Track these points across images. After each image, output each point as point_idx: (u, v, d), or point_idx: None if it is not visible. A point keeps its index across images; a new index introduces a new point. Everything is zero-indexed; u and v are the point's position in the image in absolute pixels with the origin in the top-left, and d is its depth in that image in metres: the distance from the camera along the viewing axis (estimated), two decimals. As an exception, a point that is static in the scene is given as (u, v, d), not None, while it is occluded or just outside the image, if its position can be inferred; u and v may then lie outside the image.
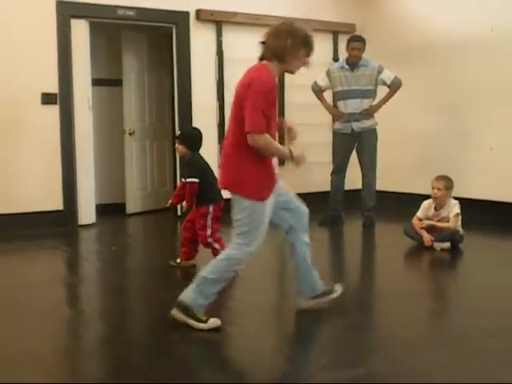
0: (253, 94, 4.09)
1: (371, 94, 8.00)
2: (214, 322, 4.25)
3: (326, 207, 8.07)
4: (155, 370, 3.58)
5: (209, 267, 4.32)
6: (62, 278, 5.99)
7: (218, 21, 8.93)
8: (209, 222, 5.72)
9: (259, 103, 4.07)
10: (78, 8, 8.04)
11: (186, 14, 8.77)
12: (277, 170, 4.35)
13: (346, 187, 8.28)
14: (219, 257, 4.39)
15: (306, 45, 4.22)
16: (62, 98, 8.02)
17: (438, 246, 6.58)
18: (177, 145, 6.02)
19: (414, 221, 6.86)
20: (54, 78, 7.95)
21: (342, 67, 8.00)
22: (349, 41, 8.03)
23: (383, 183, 8.41)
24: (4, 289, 5.45)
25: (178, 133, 6.49)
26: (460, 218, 6.72)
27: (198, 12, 8.78)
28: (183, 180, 5.99)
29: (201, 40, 8.90)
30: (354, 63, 7.93)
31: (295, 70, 4.32)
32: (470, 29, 8.35)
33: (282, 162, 5.52)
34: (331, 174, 8.24)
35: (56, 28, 7.93)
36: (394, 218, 8.19)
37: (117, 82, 9.34)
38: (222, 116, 9.00)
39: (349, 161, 8.19)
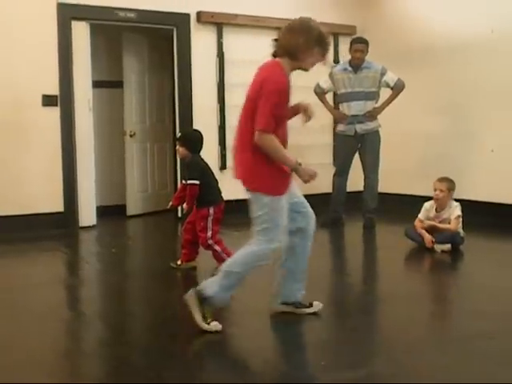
0: (265, 94, 4.09)
1: (374, 95, 7.99)
2: (215, 325, 4.23)
3: (327, 209, 8.06)
4: (155, 371, 3.57)
5: (231, 261, 4.35)
6: (63, 279, 5.99)
7: (219, 23, 8.93)
8: (209, 223, 5.72)
9: (270, 103, 4.07)
10: (78, 10, 8.05)
11: (187, 15, 8.77)
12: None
13: (348, 189, 8.27)
14: (241, 252, 4.37)
15: (321, 42, 4.20)
16: (62, 100, 8.02)
17: (438, 247, 6.58)
18: (177, 147, 6.02)
19: (416, 222, 6.85)
20: (54, 80, 7.96)
21: (345, 69, 7.99)
22: (352, 43, 8.02)
23: (385, 185, 8.41)
24: (4, 291, 5.44)
25: (178, 135, 6.49)
26: (461, 219, 6.72)
27: (199, 14, 8.79)
28: (184, 182, 5.98)
29: (201, 42, 8.90)
30: (357, 65, 7.92)
31: (309, 67, 4.30)
32: (470, 31, 8.35)
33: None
34: (333, 176, 8.23)
35: (57, 30, 7.94)
36: (395, 220, 8.19)
37: (117, 84, 9.34)
38: (223, 118, 9.01)
39: (351, 163, 8.18)
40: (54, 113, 7.99)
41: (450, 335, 4.24)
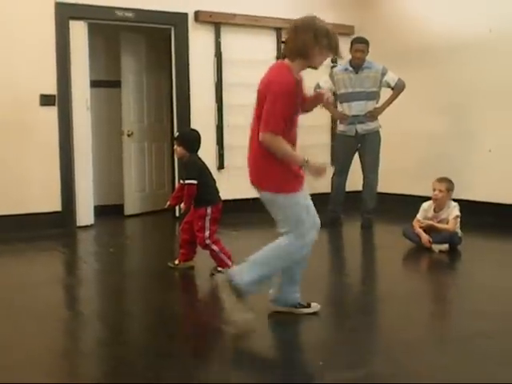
0: (271, 95, 4.11)
1: (375, 96, 7.98)
2: (245, 317, 4.25)
3: (325, 209, 8.05)
4: (154, 371, 3.57)
5: (260, 252, 4.35)
6: (60, 279, 5.98)
7: (217, 22, 8.92)
8: (207, 223, 5.71)
9: (276, 104, 4.09)
10: (76, 9, 8.04)
11: (185, 15, 8.77)
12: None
13: (346, 188, 8.26)
14: (272, 245, 4.35)
15: (328, 38, 4.20)
16: (60, 100, 8.01)
17: (436, 247, 6.58)
18: (175, 146, 6.02)
19: (414, 222, 6.85)
20: (52, 80, 7.95)
21: (346, 69, 7.96)
22: (352, 43, 7.98)
23: (384, 185, 8.40)
24: (2, 290, 5.43)
25: (176, 134, 6.48)
26: (459, 220, 6.71)
27: (197, 13, 8.78)
28: (181, 181, 5.98)
29: (199, 41, 8.89)
30: (357, 65, 7.90)
31: (318, 65, 4.31)
32: (468, 30, 8.35)
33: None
34: (332, 176, 8.20)
35: (54, 29, 7.93)
36: (394, 220, 8.18)
37: (115, 84, 9.34)
38: (221, 117, 9.01)
39: (351, 163, 8.16)
40: (52, 112, 7.98)
41: (449, 335, 4.24)
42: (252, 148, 4.39)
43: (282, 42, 4.36)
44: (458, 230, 6.71)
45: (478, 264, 6.29)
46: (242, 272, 4.28)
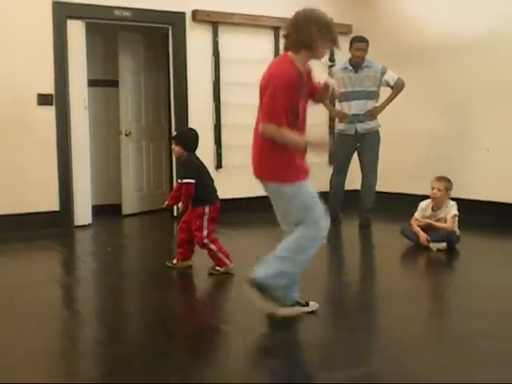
0: (271, 88, 4.15)
1: (375, 95, 7.97)
2: (296, 309, 4.40)
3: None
4: (151, 370, 3.56)
5: (281, 247, 4.35)
6: (58, 278, 5.98)
7: (215, 21, 8.92)
8: (205, 222, 5.71)
9: (276, 97, 4.12)
10: (74, 9, 8.03)
11: (183, 14, 8.76)
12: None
13: (345, 187, 8.24)
14: (291, 238, 4.35)
15: (329, 29, 4.24)
16: (58, 99, 8.01)
17: (434, 246, 6.58)
18: (173, 145, 6.01)
19: (412, 221, 6.86)
20: (50, 79, 7.95)
21: (346, 68, 7.94)
22: (352, 41, 7.96)
23: (382, 184, 8.39)
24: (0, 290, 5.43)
25: (174, 134, 6.48)
26: (457, 219, 6.71)
27: (195, 13, 8.78)
28: (179, 181, 5.97)
29: (197, 41, 8.89)
30: (357, 64, 7.88)
31: (321, 57, 4.35)
32: (467, 30, 8.36)
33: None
34: (332, 175, 8.19)
35: (52, 29, 7.93)
36: (392, 219, 8.17)
37: (113, 83, 9.33)
38: (219, 117, 9.01)
39: (350, 162, 8.15)
40: (50, 112, 7.98)
41: (448, 334, 4.24)
42: (255, 141, 4.43)
43: (284, 36, 4.35)
44: (456, 229, 6.71)
45: (476, 263, 6.29)
46: (262, 268, 4.30)
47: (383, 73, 7.90)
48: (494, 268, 5.98)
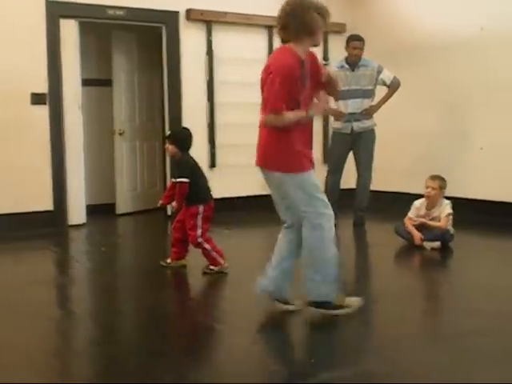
0: (270, 79, 4.19)
1: (371, 93, 7.96)
2: (355, 301, 4.44)
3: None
4: (146, 370, 3.56)
5: (307, 258, 4.38)
6: (52, 278, 5.97)
7: (208, 20, 8.91)
8: (199, 222, 5.70)
9: (274, 87, 4.15)
10: (67, 8, 8.02)
11: (176, 13, 8.75)
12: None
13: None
14: (308, 240, 4.37)
15: (326, 12, 4.30)
16: (51, 98, 7.99)
17: (428, 245, 6.59)
18: (167, 145, 6.01)
19: (406, 220, 6.86)
20: (43, 78, 7.93)
21: (342, 66, 7.91)
22: (349, 40, 7.94)
23: (377, 183, 8.38)
24: (-7, 289, 5.43)
25: (168, 133, 6.47)
26: (451, 217, 6.72)
27: (188, 12, 8.77)
28: (173, 180, 5.97)
29: (191, 40, 8.88)
30: (354, 62, 7.87)
31: (320, 41, 4.41)
32: (459, 29, 8.36)
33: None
34: (327, 174, 8.14)
35: (45, 28, 7.91)
36: (387, 218, 8.15)
37: (107, 82, 9.32)
38: (212, 116, 9.00)
39: (345, 161, 8.11)
40: (43, 111, 7.96)
41: (442, 333, 4.24)
42: (260, 132, 4.45)
43: (281, 28, 4.35)
44: (450, 228, 6.72)
45: (470, 261, 6.30)
46: (311, 290, 4.36)
47: (379, 71, 7.89)
48: (489, 266, 6.00)
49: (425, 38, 8.81)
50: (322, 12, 4.27)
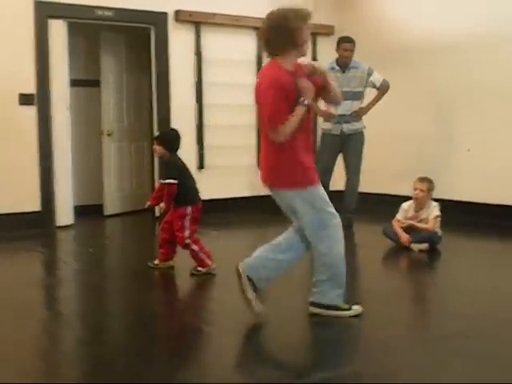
0: (262, 98, 4.22)
1: (361, 95, 7.96)
2: (357, 308, 4.49)
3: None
4: (133, 370, 3.56)
5: (317, 267, 4.49)
6: (40, 279, 5.95)
7: (197, 22, 8.91)
8: (187, 223, 5.70)
9: (268, 101, 4.16)
10: (55, 8, 7.99)
11: (165, 14, 8.74)
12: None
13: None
14: (315, 253, 4.47)
15: (307, 18, 4.27)
16: (39, 99, 7.97)
17: (416, 246, 6.60)
18: (155, 146, 6.00)
19: (394, 222, 6.87)
20: (31, 79, 7.90)
21: (333, 68, 7.88)
22: (339, 42, 7.94)
23: (365, 185, 8.39)
24: (-20, 291, 5.41)
25: (156, 134, 6.47)
26: (439, 219, 6.74)
27: (177, 13, 8.76)
28: (161, 181, 5.96)
29: (179, 41, 8.87)
30: (345, 64, 7.87)
31: (306, 52, 4.37)
32: (447, 32, 8.39)
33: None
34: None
35: (34, 28, 7.88)
36: (375, 220, 8.18)
37: (95, 83, 9.30)
38: (201, 117, 9.00)
39: (335, 163, 8.11)
40: (31, 112, 7.93)
41: (429, 334, 4.25)
42: (263, 148, 4.45)
43: (265, 44, 4.34)
44: (438, 230, 6.73)
45: (458, 263, 6.32)
46: (327, 295, 4.45)
47: (369, 74, 7.91)
48: (476, 268, 6.01)
49: (412, 40, 8.84)
50: (305, 19, 4.25)
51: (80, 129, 9.28)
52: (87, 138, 9.49)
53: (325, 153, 8.11)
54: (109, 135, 9.29)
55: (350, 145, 7.99)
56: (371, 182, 8.86)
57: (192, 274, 5.70)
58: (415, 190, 6.81)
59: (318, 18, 9.46)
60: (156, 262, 5.96)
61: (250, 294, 4.37)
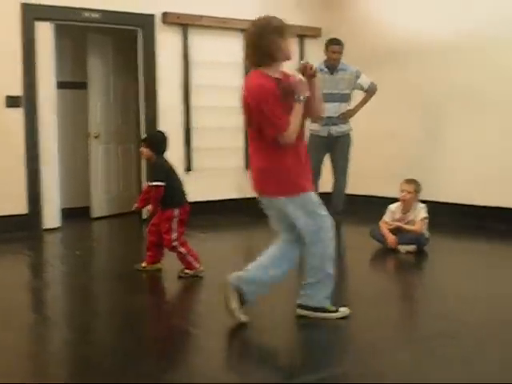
0: (256, 107, 4.16)
1: (348, 98, 7.96)
2: (344, 310, 4.49)
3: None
4: (120, 371, 3.55)
5: (308, 269, 4.45)
6: (26, 282, 5.92)
7: (184, 24, 8.91)
8: (174, 225, 5.69)
9: (267, 109, 4.12)
10: (42, 10, 7.98)
11: (152, 16, 8.74)
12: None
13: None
14: (307, 255, 4.43)
15: (281, 32, 4.22)
16: (26, 101, 7.95)
17: (403, 248, 6.61)
18: (142, 148, 6.00)
19: (381, 224, 6.88)
20: (18, 81, 7.89)
21: (321, 70, 7.85)
22: (328, 44, 7.92)
23: (352, 186, 8.38)
24: (-33, 294, 5.39)
25: (143, 136, 6.46)
26: (427, 221, 6.75)
27: (164, 15, 8.76)
28: (148, 183, 5.96)
29: (167, 43, 8.87)
30: (333, 66, 7.86)
31: (290, 55, 4.32)
32: (433, 33, 8.42)
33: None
34: None
35: (20, 30, 7.87)
36: (362, 221, 8.19)
37: (82, 85, 9.28)
38: (188, 119, 8.99)
39: (323, 164, 8.08)
40: (18, 114, 7.91)
41: (416, 335, 4.26)
42: (252, 157, 4.42)
43: (247, 57, 4.34)
44: (425, 232, 6.75)
45: (445, 265, 6.34)
46: (315, 296, 4.45)
47: (358, 76, 7.91)
48: (463, 270, 6.02)
49: (398, 42, 8.87)
50: (282, 33, 4.22)
51: (67, 131, 9.26)
52: (74, 141, 9.47)
53: (314, 154, 8.07)
54: (96, 137, 9.28)
55: (337, 147, 8.00)
56: (358, 183, 8.86)
57: (179, 277, 5.69)
58: (402, 191, 6.82)
59: (304, 20, 9.57)
60: (143, 264, 5.95)
61: (234, 304, 4.36)
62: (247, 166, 4.75)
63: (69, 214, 8.79)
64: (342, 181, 8.06)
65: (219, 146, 9.06)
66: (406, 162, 8.68)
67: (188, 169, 8.95)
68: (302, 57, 9.69)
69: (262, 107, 4.13)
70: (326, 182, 8.19)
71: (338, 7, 9.82)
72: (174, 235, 5.69)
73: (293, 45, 4.33)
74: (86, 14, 8.29)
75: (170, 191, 5.72)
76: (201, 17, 8.94)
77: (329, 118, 7.79)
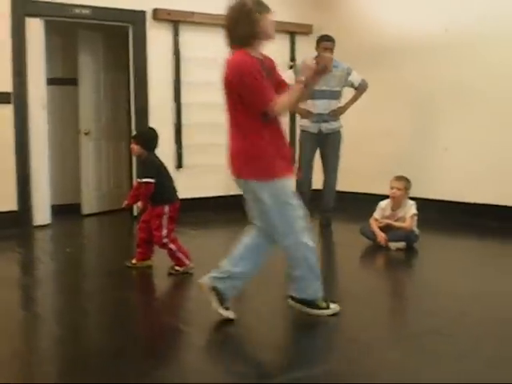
0: (240, 83, 4.12)
1: (338, 95, 7.95)
2: (335, 307, 4.49)
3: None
4: (111, 370, 3.55)
5: (289, 262, 4.47)
6: (16, 279, 5.91)
7: (175, 20, 8.89)
8: (164, 222, 5.69)
9: (252, 84, 4.09)
10: (33, 6, 7.95)
11: (143, 13, 8.72)
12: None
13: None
14: (284, 248, 4.43)
15: (259, 11, 4.19)
16: (16, 98, 7.92)
17: (393, 245, 6.63)
18: (132, 144, 5.99)
19: (371, 221, 6.90)
20: (8, 77, 7.85)
21: None
22: (319, 40, 7.87)
23: (342, 183, 8.38)
24: (-44, 291, 5.37)
25: (134, 133, 6.45)
26: (416, 218, 6.76)
27: (155, 11, 8.74)
28: (138, 180, 5.95)
29: (158, 39, 8.85)
30: None
31: (271, 35, 4.27)
32: (424, 30, 8.43)
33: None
34: (297, 173, 8.11)
35: (10, 26, 7.83)
36: (352, 218, 8.19)
37: (72, 82, 9.26)
38: (179, 116, 8.98)
39: (314, 160, 8.09)
40: (8, 110, 7.89)
41: (405, 333, 4.26)
42: (230, 138, 4.33)
43: (226, 38, 4.33)
44: (415, 229, 6.76)
45: (434, 262, 6.35)
46: (310, 290, 4.45)
47: (349, 73, 7.90)
48: (453, 267, 6.03)
49: (390, 39, 8.88)
50: (265, 8, 4.21)
51: (57, 128, 9.23)
52: (64, 137, 9.44)
53: (305, 151, 8.09)
54: (86, 134, 9.26)
55: (327, 144, 7.99)
56: (349, 180, 8.87)
57: (170, 274, 5.69)
58: (392, 188, 6.83)
59: (296, 17, 9.57)
60: (134, 261, 5.95)
61: (214, 305, 4.38)
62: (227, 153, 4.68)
63: (59, 210, 8.77)
64: (332, 178, 8.06)
65: (210, 142, 9.04)
66: (396, 159, 8.70)
67: (179, 166, 8.94)
68: (293, 54, 9.70)
69: (244, 80, 4.09)
70: (317, 180, 8.19)
71: (330, 4, 9.82)
72: (165, 232, 5.69)
73: (273, 23, 4.28)
74: (77, 10, 8.27)
75: (161, 188, 5.72)
76: (192, 13, 8.92)
77: (319, 114, 7.80)
